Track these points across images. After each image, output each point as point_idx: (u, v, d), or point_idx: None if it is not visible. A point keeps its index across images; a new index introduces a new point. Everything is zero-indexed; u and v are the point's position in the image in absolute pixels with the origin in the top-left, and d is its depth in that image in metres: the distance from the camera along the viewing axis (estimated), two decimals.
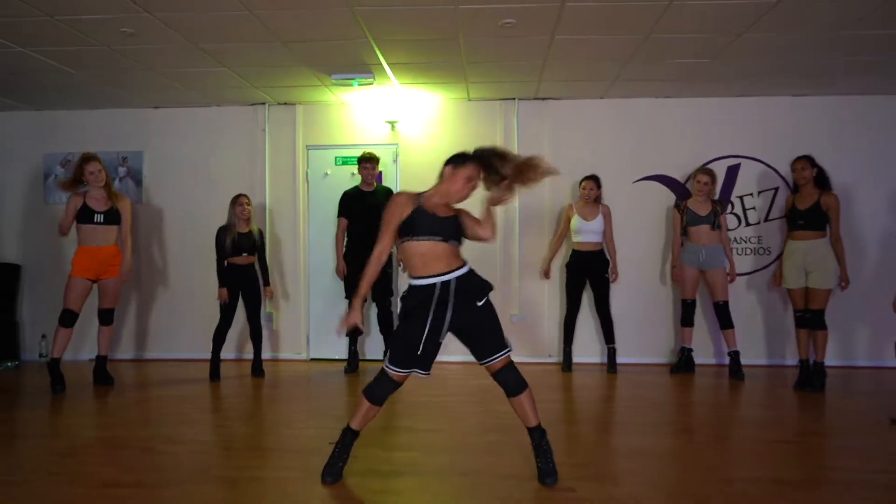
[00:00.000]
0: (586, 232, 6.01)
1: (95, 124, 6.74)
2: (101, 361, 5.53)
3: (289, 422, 4.60)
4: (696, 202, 5.90)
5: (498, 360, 3.15)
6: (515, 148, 6.40)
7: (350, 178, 6.44)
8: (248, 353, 6.22)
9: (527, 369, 3.44)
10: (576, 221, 6.05)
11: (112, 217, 5.39)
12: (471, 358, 3.28)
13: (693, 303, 5.97)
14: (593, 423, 4.65)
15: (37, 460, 3.71)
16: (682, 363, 5.99)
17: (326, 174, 6.71)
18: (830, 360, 5.93)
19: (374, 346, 6.46)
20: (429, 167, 6.41)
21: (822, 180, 5.38)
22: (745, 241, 6.41)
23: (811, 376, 5.32)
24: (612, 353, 6.08)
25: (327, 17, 4.38)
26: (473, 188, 3.21)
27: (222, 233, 5.79)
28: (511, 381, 3.17)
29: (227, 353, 6.02)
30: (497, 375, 3.18)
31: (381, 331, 6.06)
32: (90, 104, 6.58)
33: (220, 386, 5.60)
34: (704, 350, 6.29)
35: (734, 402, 5.19)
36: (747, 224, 6.41)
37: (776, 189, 6.35)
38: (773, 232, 6.30)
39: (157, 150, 6.76)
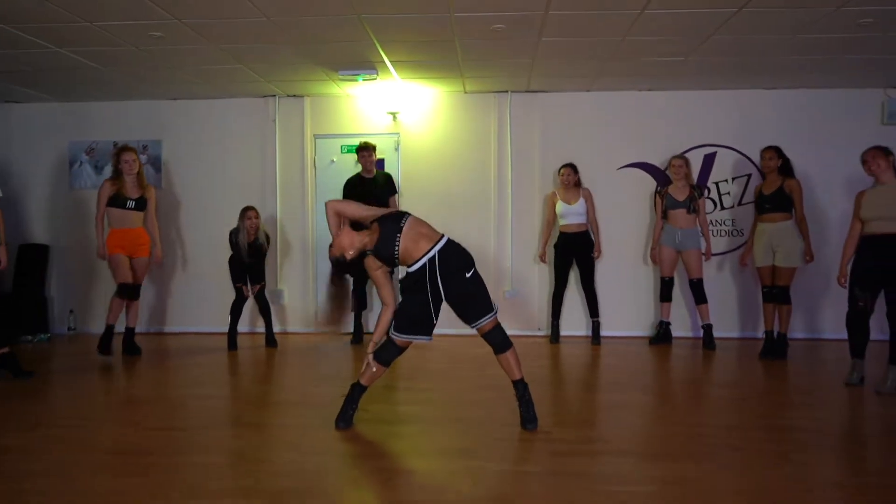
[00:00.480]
0: (570, 214, 6.52)
1: (118, 115, 7.21)
2: (129, 333, 6.03)
3: (303, 382, 5.19)
4: (676, 188, 6.39)
5: (487, 322, 3.67)
6: (508, 137, 6.95)
7: (354, 164, 6.92)
8: (260, 328, 6.74)
9: (517, 341, 3.91)
10: (560, 206, 6.56)
11: (141, 204, 5.93)
12: (467, 330, 3.81)
13: (671, 280, 6.48)
14: (575, 385, 5.22)
15: (99, 409, 4.37)
16: (661, 335, 6.51)
17: (333, 161, 7.21)
18: (797, 332, 6.48)
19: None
20: (428, 155, 7.11)
21: (786, 168, 5.89)
22: (721, 224, 6.93)
23: (775, 346, 5.85)
24: (596, 327, 6.61)
25: (336, 23, 4.85)
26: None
27: (234, 235, 6.32)
28: (498, 339, 3.70)
29: (240, 327, 6.56)
30: (486, 336, 3.71)
31: None
32: (114, 96, 7.05)
33: (238, 354, 6.15)
34: (682, 324, 6.80)
35: (704, 368, 5.71)
36: (722, 208, 6.93)
37: (749, 175, 6.86)
38: (746, 215, 6.69)
39: (175, 138, 7.25)
